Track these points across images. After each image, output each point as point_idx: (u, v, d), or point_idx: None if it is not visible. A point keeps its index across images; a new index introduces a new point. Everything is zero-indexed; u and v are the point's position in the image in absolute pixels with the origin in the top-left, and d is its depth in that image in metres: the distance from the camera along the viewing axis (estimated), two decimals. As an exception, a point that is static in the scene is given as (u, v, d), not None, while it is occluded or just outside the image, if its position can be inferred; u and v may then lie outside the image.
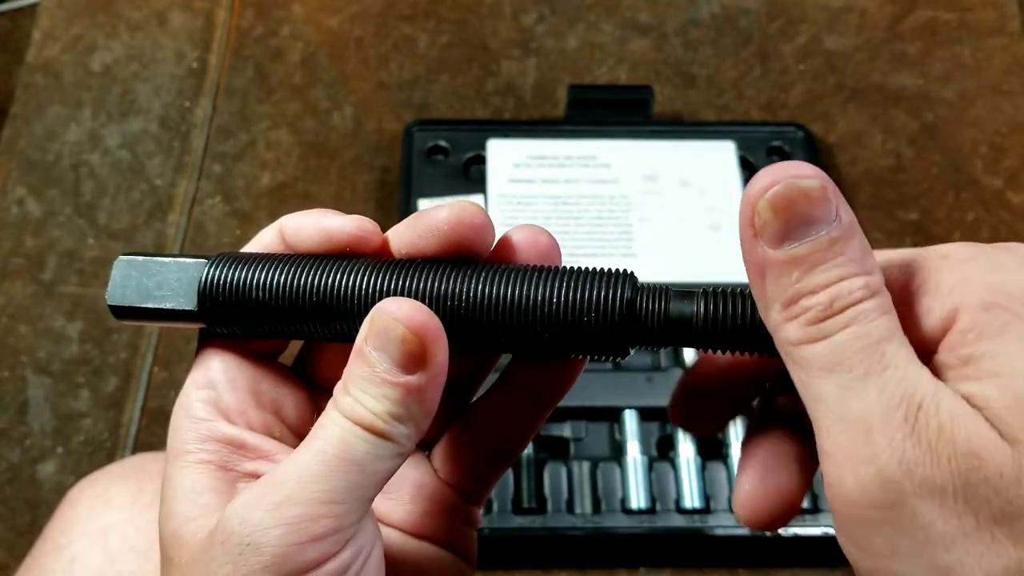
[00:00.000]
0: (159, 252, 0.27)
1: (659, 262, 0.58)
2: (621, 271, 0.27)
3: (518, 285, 0.26)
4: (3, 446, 0.55)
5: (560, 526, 0.50)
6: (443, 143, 0.63)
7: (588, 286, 0.26)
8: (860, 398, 0.20)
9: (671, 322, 0.25)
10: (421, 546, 0.28)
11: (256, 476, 0.25)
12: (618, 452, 0.52)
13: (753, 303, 0.24)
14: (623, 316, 0.25)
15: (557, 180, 0.61)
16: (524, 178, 0.61)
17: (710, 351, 0.25)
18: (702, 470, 0.51)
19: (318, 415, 0.25)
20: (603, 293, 0.26)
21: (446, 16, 0.73)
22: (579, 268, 0.27)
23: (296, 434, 0.27)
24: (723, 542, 0.50)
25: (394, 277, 0.27)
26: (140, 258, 0.27)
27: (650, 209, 0.60)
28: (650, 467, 0.51)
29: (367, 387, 0.24)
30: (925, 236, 0.63)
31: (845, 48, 0.71)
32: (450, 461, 0.29)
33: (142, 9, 0.73)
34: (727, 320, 0.25)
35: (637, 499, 0.50)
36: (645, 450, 0.52)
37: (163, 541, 0.25)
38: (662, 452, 0.53)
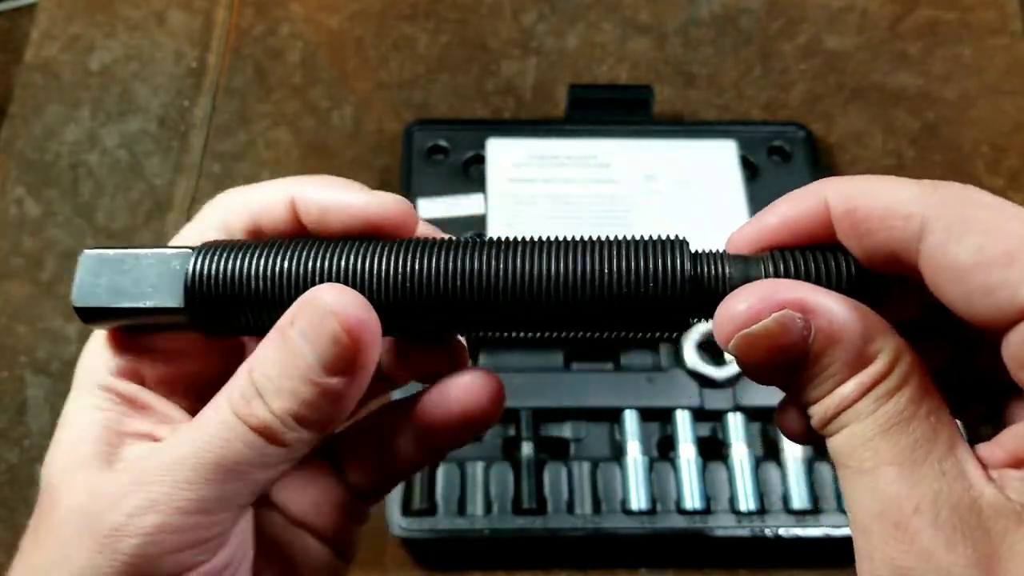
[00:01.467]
0: (131, 244, 0.24)
1: (659, 262, 0.58)
2: (673, 237, 0.24)
3: (560, 259, 0.23)
4: (2, 446, 0.55)
5: (560, 527, 0.49)
6: (443, 143, 0.62)
7: (643, 255, 0.23)
8: (861, 494, 0.21)
9: (738, 286, 0.22)
10: (298, 535, 0.26)
11: (146, 438, 0.23)
12: (618, 453, 0.52)
13: (824, 255, 0.23)
14: (687, 284, 0.23)
15: (557, 179, 0.61)
16: (524, 177, 0.61)
17: None
18: (703, 471, 0.51)
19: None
20: (661, 261, 0.23)
21: (446, 15, 0.72)
22: (624, 238, 0.24)
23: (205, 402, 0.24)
24: (723, 543, 0.50)
25: (423, 257, 0.23)
26: (111, 251, 0.23)
27: (650, 208, 0.60)
28: (650, 468, 0.51)
29: (279, 379, 0.21)
30: (926, 236, 0.63)
31: (846, 48, 0.71)
32: (353, 457, 0.27)
33: (141, 8, 0.73)
34: (800, 276, 0.23)
35: (637, 500, 0.50)
36: (645, 451, 0.52)
37: (43, 484, 0.23)
38: (662, 453, 0.53)
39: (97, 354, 0.25)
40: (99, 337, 0.25)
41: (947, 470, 0.20)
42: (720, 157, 0.62)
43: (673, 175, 0.61)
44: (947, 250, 0.20)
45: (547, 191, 0.60)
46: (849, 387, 0.21)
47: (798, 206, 0.23)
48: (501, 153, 0.62)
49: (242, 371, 0.22)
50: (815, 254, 0.23)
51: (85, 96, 0.69)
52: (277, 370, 0.22)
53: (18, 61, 0.72)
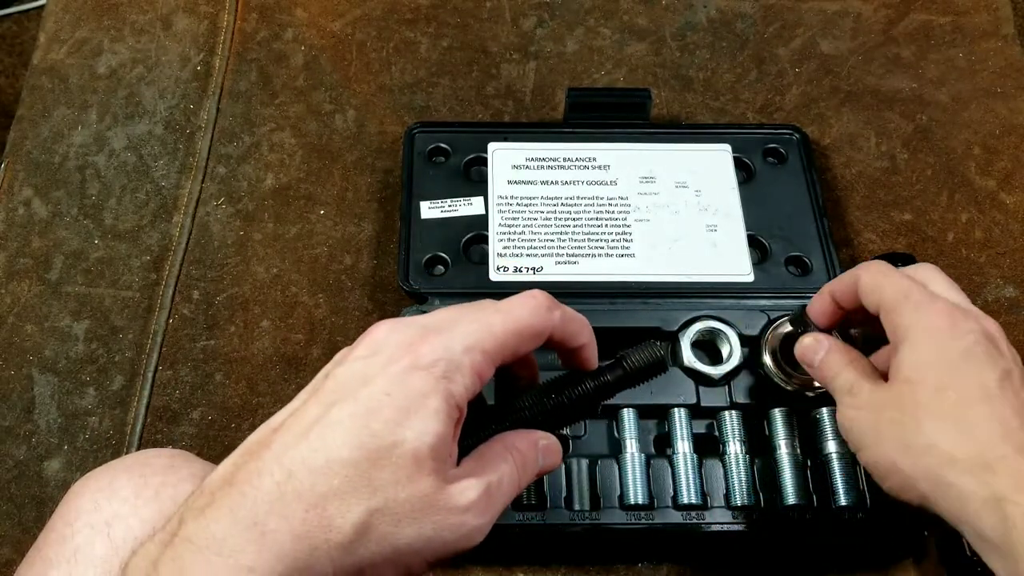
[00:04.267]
0: None
1: (656, 262, 0.59)
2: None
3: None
4: (10, 443, 0.56)
5: (559, 522, 0.50)
6: (444, 145, 0.63)
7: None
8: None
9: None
10: None
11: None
12: (617, 450, 0.53)
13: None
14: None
15: (556, 182, 0.62)
16: (524, 180, 0.62)
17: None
18: (699, 467, 0.52)
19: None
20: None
21: (447, 20, 0.73)
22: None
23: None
24: (720, 538, 0.51)
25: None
26: None
27: (648, 210, 0.61)
28: (648, 464, 0.52)
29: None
30: (919, 237, 0.64)
31: (840, 52, 0.72)
32: None
33: (147, 13, 0.74)
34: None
35: (635, 496, 0.51)
36: (643, 448, 0.52)
37: (371, 437, 0.32)
38: (659, 450, 0.54)
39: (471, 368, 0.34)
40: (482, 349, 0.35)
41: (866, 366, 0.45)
42: (716, 159, 0.63)
43: (670, 176, 0.62)
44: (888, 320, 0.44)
45: (547, 193, 0.61)
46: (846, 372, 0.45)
47: (840, 283, 0.47)
48: (501, 155, 0.63)
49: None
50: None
51: (92, 99, 0.70)
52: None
53: (25, 64, 0.73)
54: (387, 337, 0.34)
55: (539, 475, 0.38)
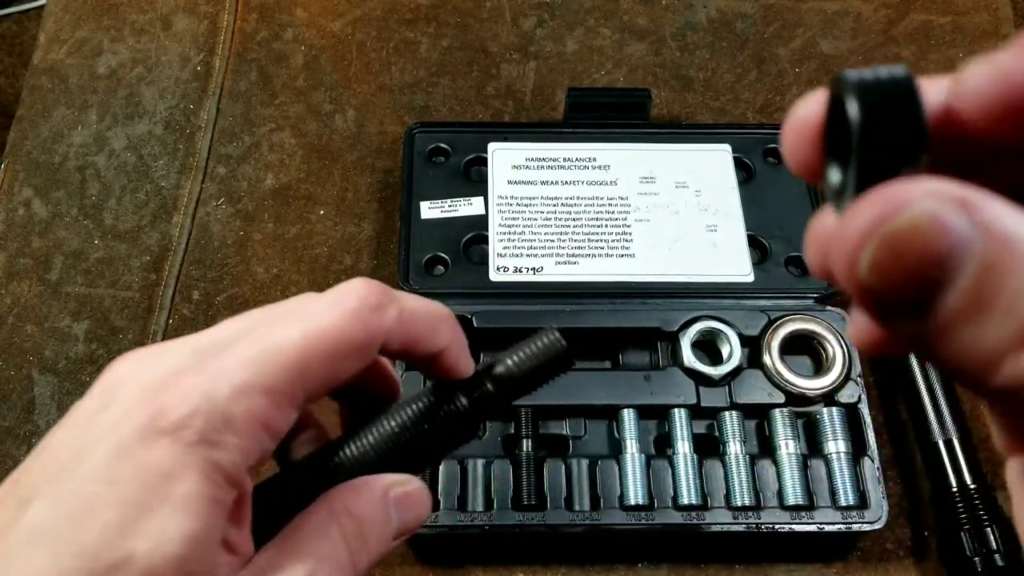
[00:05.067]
0: None
1: (656, 262, 0.59)
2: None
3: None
4: (10, 444, 0.56)
5: (559, 522, 0.50)
6: (444, 145, 0.63)
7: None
8: None
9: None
10: None
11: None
12: (617, 450, 0.53)
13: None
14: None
15: (556, 182, 0.62)
16: (524, 180, 0.62)
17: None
18: (699, 467, 0.52)
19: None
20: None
21: (447, 20, 0.73)
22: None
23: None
24: (719, 538, 0.51)
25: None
26: None
27: (648, 210, 0.61)
28: (648, 465, 0.52)
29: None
30: (919, 237, 0.64)
31: (840, 52, 0.72)
32: None
33: (147, 13, 0.74)
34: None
35: (635, 496, 0.51)
36: (643, 448, 0.52)
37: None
38: (660, 450, 0.54)
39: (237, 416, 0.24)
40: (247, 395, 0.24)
41: None
42: (716, 159, 0.63)
43: (670, 176, 0.62)
44: None
45: (547, 193, 0.61)
46: None
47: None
48: (501, 155, 0.63)
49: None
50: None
51: (92, 99, 0.69)
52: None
53: (25, 65, 0.73)
54: (128, 376, 0.24)
55: (398, 539, 0.27)
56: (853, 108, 0.16)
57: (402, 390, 0.31)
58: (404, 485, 0.27)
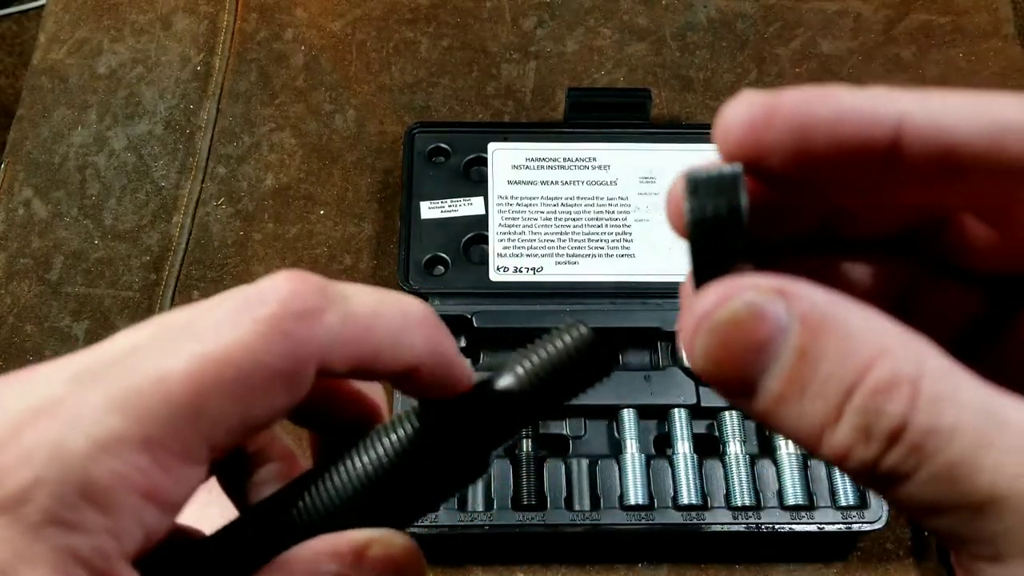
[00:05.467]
0: None
1: (656, 262, 0.59)
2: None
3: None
4: (10, 444, 0.56)
5: (559, 522, 0.50)
6: (444, 145, 0.63)
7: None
8: None
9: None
10: None
11: None
12: (617, 450, 0.53)
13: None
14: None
15: (556, 182, 0.62)
16: (524, 180, 0.62)
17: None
18: (699, 467, 0.52)
19: None
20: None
21: (447, 20, 0.73)
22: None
23: None
24: (719, 538, 0.51)
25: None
26: None
27: (648, 210, 0.61)
28: (648, 465, 0.52)
29: None
30: (919, 237, 0.64)
31: (840, 52, 0.72)
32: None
33: (147, 13, 0.74)
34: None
35: (635, 496, 0.51)
36: (643, 448, 0.52)
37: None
38: (659, 450, 0.54)
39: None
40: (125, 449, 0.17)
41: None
42: (716, 159, 0.63)
43: (670, 176, 0.62)
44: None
45: (547, 193, 0.61)
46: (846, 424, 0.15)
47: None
48: (501, 155, 0.63)
49: None
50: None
51: (92, 99, 0.69)
52: None
53: (25, 64, 0.73)
54: None
55: None
56: (686, 212, 0.18)
57: (397, 404, 0.28)
58: (384, 543, 0.20)
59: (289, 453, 0.24)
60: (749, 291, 0.16)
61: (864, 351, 0.15)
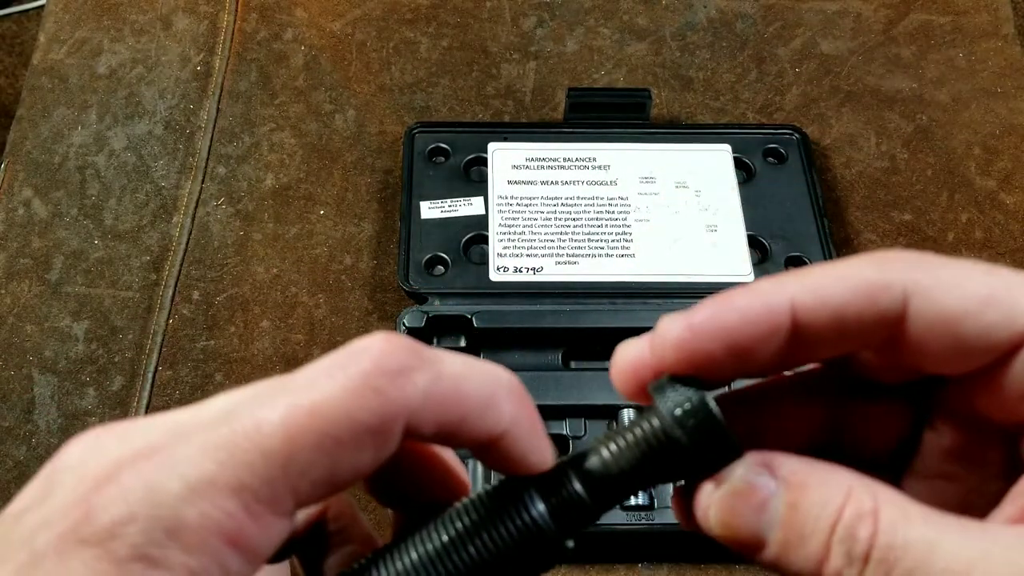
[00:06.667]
0: None
1: (656, 262, 0.59)
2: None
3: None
4: (10, 444, 0.56)
5: (559, 522, 0.50)
6: (444, 145, 0.63)
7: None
8: None
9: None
10: None
11: None
12: (616, 449, 0.53)
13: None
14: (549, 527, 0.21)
15: (556, 182, 0.62)
16: (524, 180, 0.62)
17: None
18: (699, 467, 0.52)
19: None
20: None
21: (447, 20, 0.73)
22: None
23: None
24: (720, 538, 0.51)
25: None
26: None
27: (648, 210, 0.61)
28: (648, 464, 0.52)
29: None
30: (919, 237, 0.64)
31: (840, 52, 0.72)
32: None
33: (147, 13, 0.74)
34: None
35: (635, 496, 0.51)
36: (643, 447, 0.52)
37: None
38: (660, 449, 0.54)
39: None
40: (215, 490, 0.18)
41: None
42: (716, 159, 0.63)
43: (670, 177, 0.62)
44: (935, 306, 0.20)
45: (547, 193, 0.61)
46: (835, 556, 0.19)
47: (760, 301, 0.20)
48: (501, 155, 0.63)
49: None
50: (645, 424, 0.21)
51: (92, 99, 0.70)
52: None
53: (25, 64, 0.73)
54: (77, 462, 0.19)
55: None
56: (683, 439, 0.20)
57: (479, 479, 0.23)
58: None
59: (369, 537, 0.24)
60: (740, 468, 0.20)
61: (837, 496, 0.19)
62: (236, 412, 0.18)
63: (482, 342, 0.56)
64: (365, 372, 0.18)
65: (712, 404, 0.20)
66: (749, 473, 0.20)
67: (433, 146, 0.63)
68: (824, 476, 0.20)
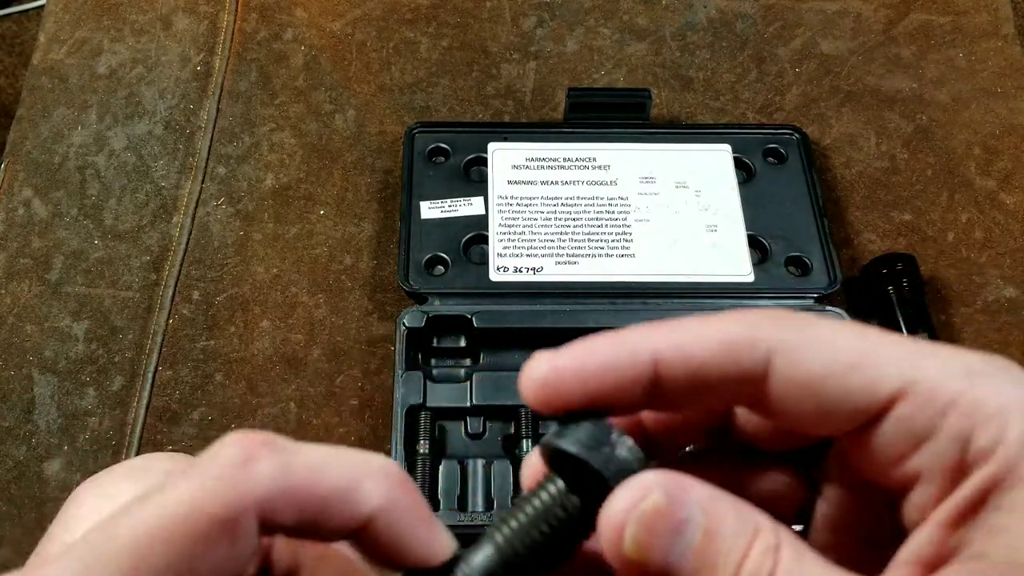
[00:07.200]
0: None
1: (656, 262, 0.59)
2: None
3: None
4: (10, 444, 0.56)
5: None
6: (444, 145, 0.63)
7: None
8: None
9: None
10: None
11: None
12: (616, 449, 0.53)
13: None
14: None
15: (556, 182, 0.62)
16: (524, 180, 0.62)
17: None
18: (699, 467, 0.52)
19: None
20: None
21: (447, 20, 0.73)
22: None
23: None
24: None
25: None
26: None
27: (648, 210, 0.61)
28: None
29: None
30: (919, 237, 0.64)
31: (840, 51, 0.72)
32: None
33: (147, 13, 0.74)
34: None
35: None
36: (643, 447, 0.52)
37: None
38: (660, 449, 0.54)
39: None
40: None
41: None
42: (716, 159, 0.63)
43: (670, 177, 0.62)
44: (799, 367, 0.20)
45: (547, 193, 0.61)
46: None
47: (620, 351, 0.21)
48: (501, 155, 0.63)
49: None
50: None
51: (92, 99, 0.70)
52: None
53: (25, 64, 0.73)
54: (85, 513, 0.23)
55: None
56: (597, 476, 0.20)
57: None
58: None
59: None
60: (659, 487, 0.19)
61: (748, 529, 0.19)
62: (96, 525, 0.19)
63: (482, 342, 0.56)
64: (213, 466, 0.19)
65: (559, 442, 0.20)
66: (672, 490, 0.19)
67: (433, 146, 0.63)
68: (735, 507, 0.19)
